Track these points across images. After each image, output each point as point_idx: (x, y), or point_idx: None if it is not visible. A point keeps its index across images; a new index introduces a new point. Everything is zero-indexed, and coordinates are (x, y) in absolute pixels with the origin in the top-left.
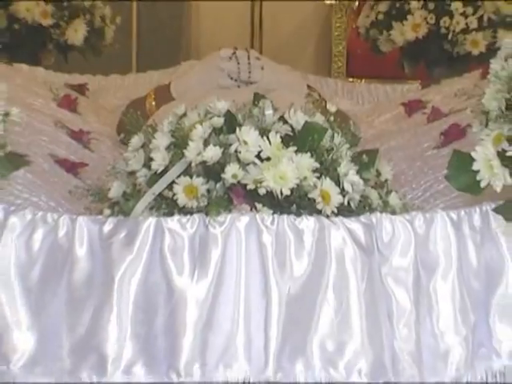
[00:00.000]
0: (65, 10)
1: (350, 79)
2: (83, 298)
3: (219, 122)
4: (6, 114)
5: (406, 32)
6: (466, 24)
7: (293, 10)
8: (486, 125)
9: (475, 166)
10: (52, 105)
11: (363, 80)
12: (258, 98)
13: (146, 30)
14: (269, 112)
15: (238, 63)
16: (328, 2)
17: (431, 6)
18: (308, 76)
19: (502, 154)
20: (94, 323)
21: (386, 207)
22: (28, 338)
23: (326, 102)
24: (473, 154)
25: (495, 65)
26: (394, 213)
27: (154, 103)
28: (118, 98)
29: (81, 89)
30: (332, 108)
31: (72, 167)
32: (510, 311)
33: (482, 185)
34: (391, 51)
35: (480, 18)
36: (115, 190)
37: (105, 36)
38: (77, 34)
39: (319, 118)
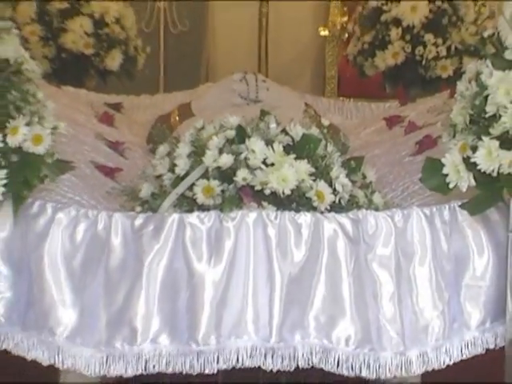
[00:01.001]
0: (104, 42)
1: (341, 98)
2: (118, 280)
3: (232, 134)
4: (55, 128)
5: (387, 59)
6: (437, 52)
7: (293, 39)
8: (454, 136)
9: (445, 170)
10: (93, 120)
11: (352, 99)
12: (263, 114)
13: (172, 58)
14: (273, 126)
15: (248, 85)
16: (322, 34)
17: (408, 37)
18: (305, 95)
19: (466, 161)
20: (126, 301)
21: (370, 204)
22: (71, 313)
23: (320, 117)
24: (443, 160)
25: (461, 86)
26: (377, 209)
27: (177, 118)
28: (147, 114)
29: (117, 107)
30: (325, 122)
31: (109, 172)
32: (476, 291)
33: (451, 186)
34: (375, 75)
35: (448, 47)
36: (145, 190)
37: (137, 63)
38: (114, 61)
39: (315, 131)
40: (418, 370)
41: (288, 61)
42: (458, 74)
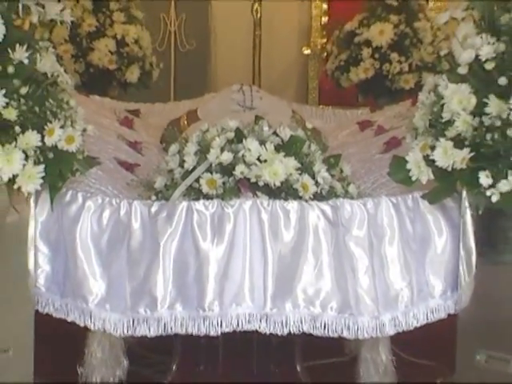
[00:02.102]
0: (125, 59)
1: (321, 106)
2: (138, 257)
3: (231, 135)
4: (84, 130)
5: (359, 74)
6: (401, 68)
7: (283, 57)
8: (416, 137)
9: (408, 166)
10: (116, 124)
11: (330, 107)
12: (258, 119)
13: (181, 72)
14: (265, 128)
15: (244, 94)
16: (305, 52)
17: (377, 55)
18: (292, 103)
19: (426, 158)
20: (146, 275)
21: (346, 194)
22: (100, 284)
23: (304, 121)
24: (407, 158)
25: (422, 96)
26: (352, 198)
27: (186, 122)
28: (161, 119)
29: (135, 113)
30: (309, 125)
31: (129, 167)
32: (438, 265)
33: (413, 179)
34: (349, 87)
35: (410, 64)
36: (159, 182)
37: (152, 76)
38: (133, 75)
39: (300, 133)
40: (390, 331)
41: (277, 75)
42: (418, 86)
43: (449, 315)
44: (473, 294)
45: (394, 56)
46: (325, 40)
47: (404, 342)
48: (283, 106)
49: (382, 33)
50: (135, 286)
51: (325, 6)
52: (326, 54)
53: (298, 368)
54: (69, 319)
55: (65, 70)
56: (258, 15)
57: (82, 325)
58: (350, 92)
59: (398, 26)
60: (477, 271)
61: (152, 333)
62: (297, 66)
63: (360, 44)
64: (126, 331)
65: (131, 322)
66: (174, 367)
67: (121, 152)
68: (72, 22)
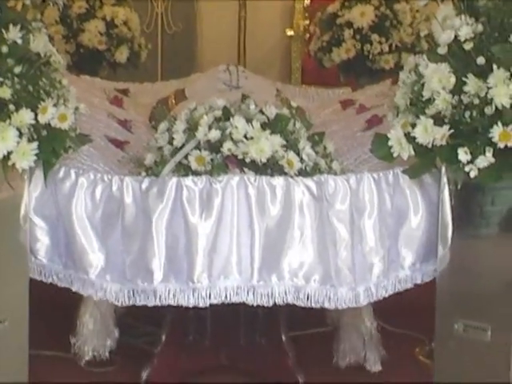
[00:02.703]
0: (114, 40)
1: (304, 86)
2: (133, 231)
3: (219, 113)
4: (76, 109)
5: (341, 54)
6: (381, 49)
7: (267, 38)
8: (397, 115)
9: (390, 143)
10: (106, 102)
11: (313, 86)
12: (244, 97)
13: (168, 53)
14: (252, 107)
15: (230, 74)
16: (289, 34)
17: (358, 37)
18: (277, 83)
19: (407, 135)
20: (141, 249)
21: (330, 170)
22: (99, 256)
23: (289, 100)
24: (388, 135)
25: (403, 75)
26: (335, 174)
27: (174, 101)
28: (149, 98)
29: (125, 92)
30: (294, 104)
31: (120, 144)
32: (411, 239)
33: (394, 155)
34: (331, 67)
35: (390, 45)
36: (149, 159)
37: (140, 57)
38: (122, 55)
39: (285, 111)
40: (364, 302)
41: (261, 55)
42: (398, 66)
43: (429, 286)
44: (451, 266)
45: (375, 37)
46: (307, 22)
47: (383, 312)
48: (268, 85)
49: (363, 14)
50: (132, 259)
51: None
52: (308, 35)
53: (284, 338)
54: (73, 289)
55: (56, 50)
56: None
57: (85, 294)
58: (331, 72)
59: (379, 8)
60: (455, 245)
61: (150, 303)
62: (280, 47)
63: (342, 25)
64: (127, 301)
65: (131, 293)
66: (163, 338)
67: (111, 130)
68: (63, 4)
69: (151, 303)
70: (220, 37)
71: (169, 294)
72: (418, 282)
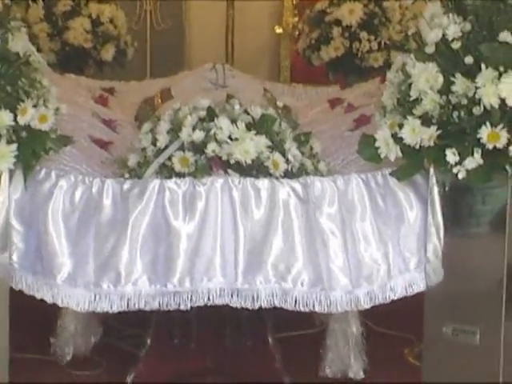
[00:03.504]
0: (100, 38)
1: (293, 84)
2: (106, 233)
3: (203, 114)
4: (57, 109)
5: (329, 52)
6: (370, 47)
7: (255, 36)
8: (384, 115)
9: (377, 144)
10: (90, 101)
11: (301, 84)
12: (229, 97)
13: (156, 51)
14: (236, 107)
15: (217, 73)
16: (278, 31)
17: (346, 34)
18: (265, 81)
19: (395, 136)
20: (113, 250)
21: (316, 171)
22: (68, 261)
23: (276, 99)
24: (375, 136)
25: (390, 75)
26: (322, 175)
27: (160, 100)
28: (136, 97)
29: (110, 90)
30: (280, 104)
31: (104, 144)
32: (412, 239)
33: (382, 156)
34: (320, 65)
35: (379, 43)
36: (132, 160)
37: (127, 55)
38: (108, 53)
39: (271, 111)
40: (366, 305)
41: (250, 53)
42: (387, 64)
43: None
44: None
45: (364, 35)
46: (297, 19)
47: (373, 313)
48: (255, 84)
49: (351, 12)
50: (101, 260)
51: None
52: (298, 32)
53: (270, 340)
54: (38, 296)
55: (40, 49)
56: None
57: (49, 301)
58: (321, 70)
59: (368, 6)
60: (444, 246)
61: (114, 309)
62: (269, 44)
63: (330, 23)
64: (87, 307)
65: (93, 298)
66: (148, 341)
67: (95, 130)
68: (47, 1)
69: (115, 309)
70: (208, 34)
71: (139, 297)
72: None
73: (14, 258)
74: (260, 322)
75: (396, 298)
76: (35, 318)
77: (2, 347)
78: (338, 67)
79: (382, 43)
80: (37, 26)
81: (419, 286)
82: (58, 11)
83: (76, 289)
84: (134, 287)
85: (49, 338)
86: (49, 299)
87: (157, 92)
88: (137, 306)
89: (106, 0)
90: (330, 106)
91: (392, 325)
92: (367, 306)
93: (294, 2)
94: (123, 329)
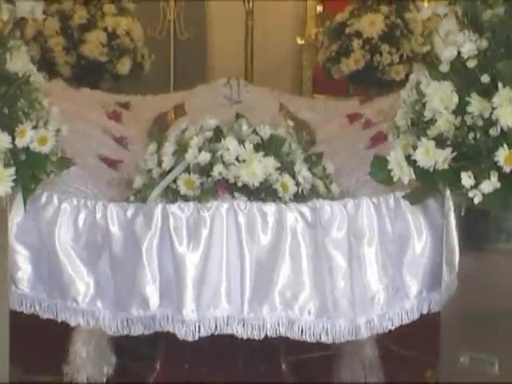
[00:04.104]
0: (116, 51)
1: (315, 95)
2: (121, 259)
3: (210, 134)
4: (58, 131)
5: (350, 65)
6: (391, 59)
7: (276, 47)
8: (398, 136)
9: (389, 166)
10: (103, 117)
11: (323, 96)
12: (238, 116)
13: (181, 61)
14: (244, 127)
15: (231, 88)
16: (299, 42)
17: (367, 47)
18: (284, 95)
19: (408, 158)
20: (133, 276)
21: (328, 193)
22: (88, 283)
23: (292, 114)
24: (388, 157)
25: (404, 94)
26: (333, 198)
27: (173, 116)
28: (150, 112)
29: (126, 105)
30: (291, 123)
31: (112, 163)
32: (415, 266)
33: (394, 179)
34: (340, 78)
35: (401, 55)
36: (137, 182)
37: (144, 68)
38: (124, 66)
39: (281, 131)
40: (365, 334)
41: (272, 64)
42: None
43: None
44: (457, 296)
45: (385, 47)
46: (320, 29)
47: (393, 334)
48: (270, 99)
49: (372, 24)
50: (124, 287)
51: None
52: (321, 43)
53: (283, 366)
54: (59, 319)
55: (55, 62)
56: (250, 6)
57: (73, 324)
58: (343, 81)
59: (389, 17)
60: (459, 272)
61: (148, 331)
62: (292, 55)
63: (351, 35)
64: (121, 330)
65: (126, 322)
66: (157, 366)
67: (105, 147)
68: (63, 14)
69: (148, 331)
70: (230, 44)
71: (167, 319)
72: (425, 311)
73: (23, 282)
74: (273, 345)
75: (393, 327)
76: (49, 342)
77: (1, 375)
78: (358, 80)
79: (404, 56)
80: (52, 39)
81: (415, 315)
82: (74, 24)
83: (105, 311)
84: (160, 310)
85: (62, 362)
86: (72, 322)
87: (170, 108)
88: (165, 328)
89: (122, 12)
90: (348, 120)
91: (414, 346)
92: (366, 336)
93: (318, 12)
94: (135, 348)
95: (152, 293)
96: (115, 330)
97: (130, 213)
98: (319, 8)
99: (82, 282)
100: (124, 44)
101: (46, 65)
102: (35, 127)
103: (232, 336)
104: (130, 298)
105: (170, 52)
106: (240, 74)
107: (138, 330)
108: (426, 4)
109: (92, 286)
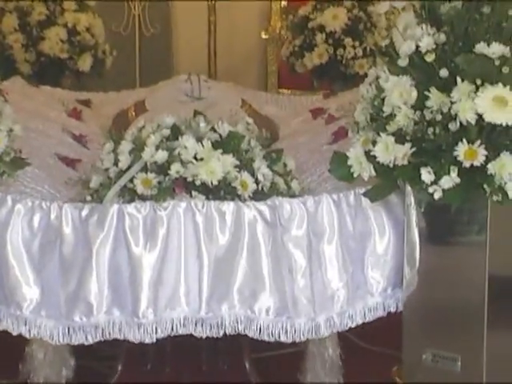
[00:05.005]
0: (76, 47)
1: (280, 90)
2: (71, 263)
3: (167, 132)
4: (11, 130)
5: (313, 59)
6: (355, 53)
7: (241, 42)
8: (357, 132)
9: (349, 162)
10: (63, 115)
11: (290, 90)
12: (196, 113)
13: (145, 56)
14: (202, 124)
15: (192, 84)
16: (264, 37)
17: (330, 41)
18: (247, 91)
19: (368, 154)
20: (80, 281)
21: (289, 190)
22: (34, 290)
23: (254, 110)
24: (347, 154)
25: (362, 89)
26: (294, 195)
27: (134, 113)
28: (113, 108)
29: (86, 103)
30: (249, 120)
31: (70, 162)
32: (378, 263)
33: (354, 175)
34: (304, 72)
35: (364, 49)
36: (94, 181)
37: (105, 64)
38: (85, 63)
39: (240, 128)
40: (325, 332)
41: (237, 59)
42: None
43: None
44: (419, 293)
45: (348, 41)
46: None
47: (361, 329)
48: (233, 95)
49: (335, 17)
50: (69, 293)
51: None
52: (285, 38)
53: (247, 364)
54: (0, 327)
55: (15, 60)
56: (213, 1)
57: (15, 333)
58: (309, 76)
59: (352, 11)
60: (422, 270)
61: (90, 340)
62: (256, 49)
63: (314, 29)
64: (62, 339)
65: (67, 330)
66: (119, 367)
67: (64, 146)
68: (22, 11)
69: (91, 340)
70: (195, 39)
71: (113, 327)
72: (392, 309)
73: None
74: (236, 343)
75: (353, 325)
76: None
77: None
78: (322, 74)
79: (368, 49)
80: (11, 36)
81: (380, 312)
82: (33, 21)
83: (47, 320)
84: (107, 317)
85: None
86: (15, 331)
87: (131, 105)
88: (111, 335)
89: (82, 8)
90: (312, 116)
91: (381, 341)
92: (326, 334)
93: (283, 6)
94: (97, 348)
95: (97, 299)
96: (56, 340)
97: (84, 213)
98: (284, 2)
99: (28, 288)
100: (85, 40)
101: (6, 62)
102: None
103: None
104: (74, 304)
105: (135, 48)
106: (206, 70)
107: (79, 339)
108: None
109: (38, 293)
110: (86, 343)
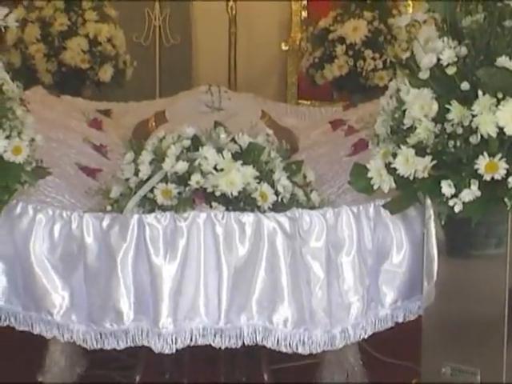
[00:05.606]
0: (97, 58)
1: (300, 101)
2: (96, 271)
3: (187, 143)
4: (32, 140)
5: (333, 71)
6: (375, 65)
7: (261, 53)
8: (378, 144)
9: (369, 174)
10: (84, 125)
11: (309, 101)
12: (216, 124)
13: (166, 67)
14: (222, 136)
15: (212, 95)
16: (284, 48)
17: (350, 52)
18: (267, 102)
19: (388, 166)
20: (107, 291)
21: (308, 201)
22: (62, 296)
23: (274, 121)
24: (368, 166)
25: (383, 101)
26: (313, 207)
27: (154, 124)
28: (133, 119)
29: (107, 113)
30: (269, 131)
31: (91, 172)
32: (391, 276)
33: (374, 188)
34: (324, 84)
35: (384, 61)
36: (114, 191)
37: (126, 75)
38: (106, 74)
39: (260, 139)
40: (340, 344)
41: (256, 71)
42: None
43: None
44: (438, 306)
45: (368, 53)
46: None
47: (379, 341)
48: (253, 106)
49: (355, 29)
50: (97, 301)
51: (304, 1)
52: (306, 49)
53: (265, 375)
54: (35, 332)
55: (36, 70)
56: (233, 12)
57: (49, 337)
58: (329, 87)
59: (372, 23)
60: (441, 284)
61: (121, 345)
62: (276, 61)
63: (334, 41)
64: (95, 344)
65: (99, 336)
66: (137, 377)
67: (84, 156)
68: (44, 21)
69: (122, 346)
70: (215, 51)
71: (141, 333)
72: (400, 320)
73: None
74: (254, 355)
75: (366, 336)
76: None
77: None
78: (342, 86)
79: (388, 61)
80: (33, 46)
81: (389, 323)
82: (55, 31)
83: (79, 325)
84: (136, 323)
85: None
86: (48, 335)
87: (151, 115)
88: (139, 342)
89: (103, 19)
90: (331, 127)
91: (400, 354)
92: (341, 346)
93: (303, 17)
94: (116, 358)
95: (126, 306)
96: (90, 344)
97: (105, 223)
98: (304, 13)
99: (56, 295)
100: (106, 51)
101: (27, 72)
102: (8, 137)
103: (213, 346)
104: (104, 311)
105: (155, 58)
106: (226, 81)
107: (111, 344)
108: (410, 9)
109: (67, 299)
110: (117, 348)
